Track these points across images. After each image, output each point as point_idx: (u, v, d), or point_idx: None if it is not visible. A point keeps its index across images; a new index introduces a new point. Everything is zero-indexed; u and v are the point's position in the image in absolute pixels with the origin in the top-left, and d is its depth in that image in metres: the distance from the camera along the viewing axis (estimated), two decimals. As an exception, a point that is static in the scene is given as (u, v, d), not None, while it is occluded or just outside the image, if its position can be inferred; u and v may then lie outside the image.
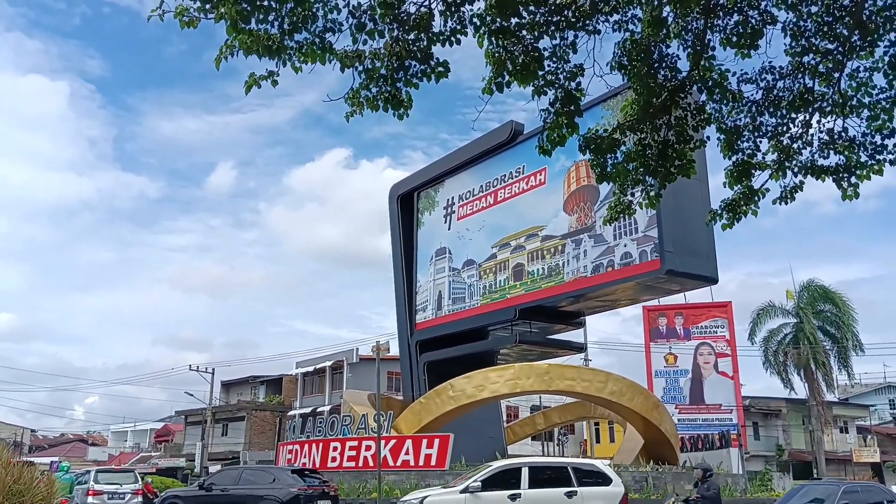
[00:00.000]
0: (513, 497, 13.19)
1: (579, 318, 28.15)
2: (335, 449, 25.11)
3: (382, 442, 20.60)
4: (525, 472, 13.82)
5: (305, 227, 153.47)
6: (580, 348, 30.85)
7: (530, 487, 13.47)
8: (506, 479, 13.73)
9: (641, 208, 7.56)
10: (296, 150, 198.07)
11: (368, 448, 23.83)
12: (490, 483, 13.58)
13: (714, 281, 23.51)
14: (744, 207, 7.15)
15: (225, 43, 5.42)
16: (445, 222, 30.99)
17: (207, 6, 5.16)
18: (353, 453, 24.57)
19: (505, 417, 36.41)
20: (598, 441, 48.18)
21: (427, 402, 25.16)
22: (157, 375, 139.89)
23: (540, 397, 45.45)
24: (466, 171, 30.39)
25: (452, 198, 30.88)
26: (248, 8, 5.20)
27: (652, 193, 6.99)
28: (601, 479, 13.90)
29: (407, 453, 23.28)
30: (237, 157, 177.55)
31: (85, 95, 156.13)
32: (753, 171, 7.15)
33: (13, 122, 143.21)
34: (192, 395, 47.77)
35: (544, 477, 13.97)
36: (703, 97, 6.97)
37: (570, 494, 13.36)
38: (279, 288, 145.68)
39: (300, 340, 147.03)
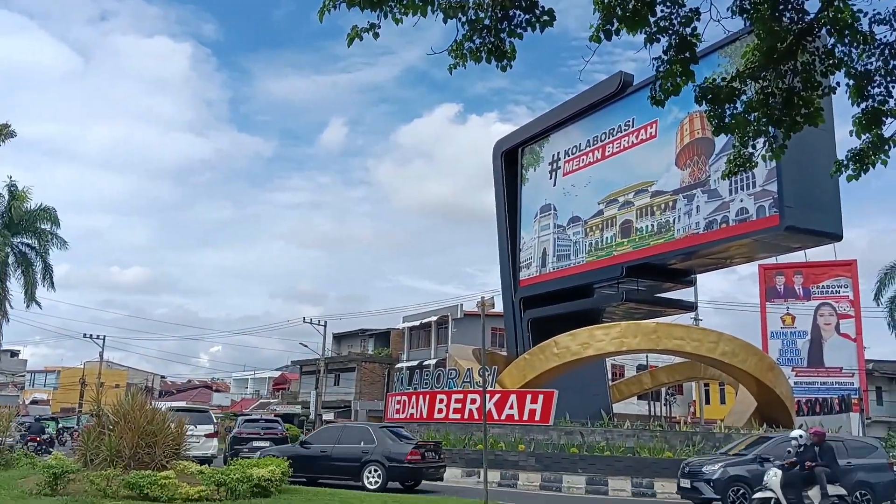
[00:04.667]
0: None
1: (690, 277, 27.33)
2: (441, 401, 25.70)
3: (487, 396, 20.88)
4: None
5: (413, 183, 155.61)
6: (690, 307, 30.03)
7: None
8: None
9: (764, 161, 7.17)
10: (401, 107, 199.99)
11: (473, 401, 24.25)
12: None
13: (838, 238, 22.18)
14: (872, 157, 6.72)
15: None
16: (551, 178, 30.54)
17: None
18: (459, 406, 25.08)
19: (610, 376, 36.09)
20: (707, 402, 47.05)
21: (531, 358, 25.27)
22: (275, 327, 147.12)
23: (647, 357, 44.72)
24: (573, 126, 29.70)
25: (558, 153, 30.34)
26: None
27: (776, 145, 6.59)
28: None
29: (511, 408, 23.53)
30: (346, 116, 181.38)
31: (202, 58, 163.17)
32: (884, 119, 6.65)
33: (138, 83, 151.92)
34: (306, 346, 49.90)
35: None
36: (832, 40, 6.49)
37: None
38: (387, 244, 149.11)
39: (407, 296, 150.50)
